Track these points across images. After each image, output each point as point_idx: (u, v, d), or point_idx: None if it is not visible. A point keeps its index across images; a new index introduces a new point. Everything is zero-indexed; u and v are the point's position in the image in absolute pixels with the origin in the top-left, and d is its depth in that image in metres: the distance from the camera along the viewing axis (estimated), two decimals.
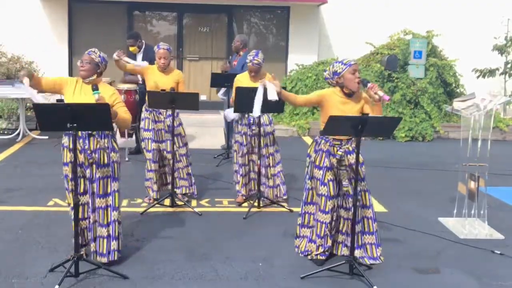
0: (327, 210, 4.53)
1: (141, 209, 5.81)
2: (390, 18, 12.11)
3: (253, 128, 6.05)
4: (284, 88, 5.91)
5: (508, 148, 10.00)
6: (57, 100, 4.03)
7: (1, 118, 10.23)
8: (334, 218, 4.59)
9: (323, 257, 4.61)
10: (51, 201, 6.11)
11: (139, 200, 6.17)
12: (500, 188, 6.85)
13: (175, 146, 5.98)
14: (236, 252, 4.81)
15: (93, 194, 4.40)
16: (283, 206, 6.02)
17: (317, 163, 4.55)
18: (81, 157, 4.33)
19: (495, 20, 12.01)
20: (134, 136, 8.55)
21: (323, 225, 4.56)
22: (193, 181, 6.21)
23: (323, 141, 4.54)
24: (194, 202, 6.18)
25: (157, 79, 5.99)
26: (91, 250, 4.49)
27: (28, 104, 10.17)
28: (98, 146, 4.33)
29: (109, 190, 4.41)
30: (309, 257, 4.68)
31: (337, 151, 4.49)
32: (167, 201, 6.01)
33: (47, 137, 9.35)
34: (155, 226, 5.39)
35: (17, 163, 7.84)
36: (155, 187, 6.08)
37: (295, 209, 5.95)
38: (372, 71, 11.02)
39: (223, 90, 8.75)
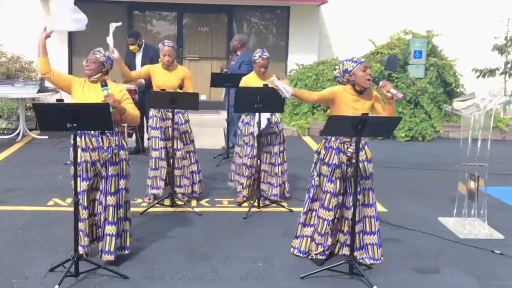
0: (330, 207, 4.52)
1: (141, 209, 5.81)
2: (390, 18, 12.11)
3: (272, 126, 6.10)
4: None
5: (508, 148, 10.00)
6: (57, 100, 4.02)
7: (1, 118, 10.23)
8: (336, 217, 4.58)
9: (323, 257, 4.60)
10: (51, 201, 6.11)
11: (139, 200, 6.16)
12: (500, 188, 6.85)
13: (181, 144, 6.00)
14: (236, 252, 4.81)
15: (103, 191, 4.43)
16: (283, 206, 6.02)
17: (326, 160, 4.55)
18: (94, 156, 4.35)
19: (495, 20, 12.01)
20: (134, 136, 8.55)
21: (325, 222, 4.56)
22: (197, 179, 6.18)
23: (333, 138, 4.54)
24: (194, 202, 6.18)
25: (162, 78, 5.98)
26: (99, 248, 4.50)
27: (28, 104, 10.18)
28: (110, 144, 4.37)
29: (118, 188, 4.45)
30: (309, 257, 4.68)
31: (347, 148, 4.49)
32: (167, 201, 6.01)
33: (47, 137, 9.36)
34: (155, 226, 5.39)
35: (17, 163, 7.84)
36: (162, 183, 6.04)
37: (295, 209, 5.95)
38: (372, 71, 11.01)
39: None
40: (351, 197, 4.51)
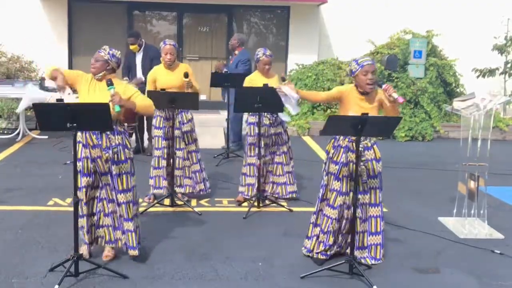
0: (335, 205, 4.52)
1: (141, 209, 5.80)
2: (390, 18, 12.11)
3: (281, 125, 6.14)
4: None
5: (508, 148, 10.00)
6: (57, 100, 4.02)
7: (1, 118, 10.22)
8: (343, 216, 4.55)
9: (324, 257, 4.60)
10: (51, 200, 6.11)
11: (139, 200, 6.15)
12: (500, 187, 6.85)
13: (183, 144, 6.00)
14: (236, 252, 4.81)
15: (113, 189, 4.45)
16: (283, 206, 6.02)
17: (334, 159, 4.55)
18: (94, 152, 4.36)
19: (495, 20, 12.01)
20: (134, 136, 8.55)
21: (329, 220, 4.55)
22: (199, 179, 6.17)
23: (341, 137, 4.54)
24: (194, 202, 6.18)
25: (165, 78, 5.98)
26: (122, 243, 4.55)
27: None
28: (111, 142, 4.37)
29: (130, 186, 4.47)
30: (310, 254, 4.66)
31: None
32: (167, 201, 6.01)
33: (47, 136, 9.36)
34: (155, 226, 5.38)
35: (17, 162, 7.84)
36: (165, 183, 6.05)
37: (295, 209, 5.95)
38: None
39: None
40: (360, 196, 4.51)
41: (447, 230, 5.48)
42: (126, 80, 8.28)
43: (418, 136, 10.54)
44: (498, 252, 4.93)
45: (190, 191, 6.18)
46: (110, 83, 4.28)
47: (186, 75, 5.85)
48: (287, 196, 6.20)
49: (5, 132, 9.71)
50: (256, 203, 5.95)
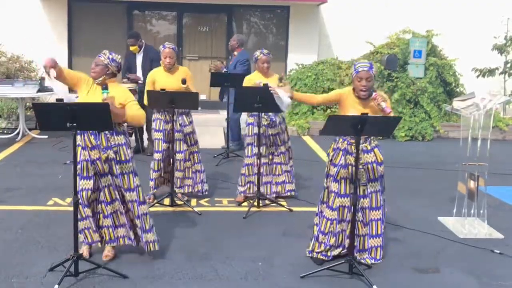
0: (334, 207, 4.52)
1: None
2: (390, 18, 12.10)
3: (280, 127, 6.15)
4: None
5: (508, 148, 10.00)
6: (57, 100, 4.02)
7: (0, 118, 10.23)
8: (345, 218, 4.55)
9: (323, 257, 4.60)
10: (51, 200, 6.11)
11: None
12: (499, 187, 6.85)
13: (185, 145, 6.02)
14: (236, 251, 4.81)
15: (116, 189, 4.46)
16: (283, 206, 6.02)
17: (333, 161, 4.57)
18: (93, 154, 4.36)
19: (495, 19, 12.01)
20: (133, 136, 8.56)
21: (328, 221, 4.56)
22: (198, 179, 6.18)
23: (341, 139, 4.56)
24: (193, 202, 6.19)
25: (164, 80, 5.99)
26: (123, 241, 4.57)
27: (27, 104, 10.18)
28: (112, 143, 4.36)
29: (133, 186, 4.47)
30: (310, 255, 4.67)
31: (354, 149, 4.49)
32: (167, 201, 6.01)
33: (46, 136, 9.35)
34: (155, 226, 5.37)
35: (17, 162, 7.84)
36: (159, 182, 6.12)
37: (295, 209, 5.95)
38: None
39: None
40: (361, 199, 4.51)
41: (447, 230, 5.49)
42: (125, 81, 8.29)
43: (418, 136, 10.54)
44: (498, 252, 4.93)
45: (189, 190, 6.18)
46: (105, 88, 4.28)
47: (183, 81, 5.88)
48: (286, 194, 6.23)
49: (5, 132, 9.71)
50: (256, 203, 5.95)
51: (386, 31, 11.69)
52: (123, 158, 4.42)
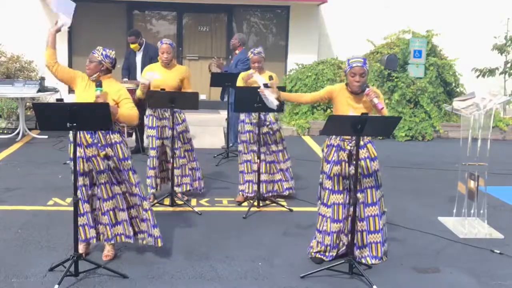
0: (329, 203, 4.53)
1: None
2: (390, 18, 12.10)
3: (270, 127, 6.13)
4: (284, 87, 5.92)
5: (508, 148, 10.00)
6: (57, 100, 4.02)
7: (0, 118, 10.23)
8: (342, 216, 4.54)
9: (321, 257, 4.60)
10: (51, 200, 6.11)
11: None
12: (500, 187, 6.85)
13: (179, 143, 6.01)
14: (235, 251, 4.81)
15: (112, 186, 4.46)
16: (283, 206, 6.02)
17: (327, 158, 4.58)
18: (88, 151, 4.36)
19: (495, 19, 12.01)
20: (133, 136, 8.55)
21: (323, 219, 4.56)
22: (197, 176, 6.21)
23: (333, 136, 4.55)
24: (193, 202, 6.19)
25: (162, 76, 5.98)
26: (142, 237, 4.59)
27: (27, 104, 10.18)
28: (108, 141, 4.36)
29: (134, 182, 4.49)
30: (309, 255, 4.67)
31: (347, 145, 4.49)
32: (166, 201, 6.01)
33: (46, 136, 9.35)
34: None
35: (17, 162, 7.84)
36: (158, 181, 6.13)
37: (295, 209, 5.95)
38: (372, 70, 11.02)
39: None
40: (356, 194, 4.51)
41: (447, 229, 5.49)
42: (125, 80, 8.29)
43: (418, 136, 10.54)
44: (498, 251, 4.93)
45: (188, 189, 6.19)
46: (98, 85, 4.28)
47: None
48: (285, 193, 6.21)
49: (5, 131, 9.71)
50: (256, 203, 5.95)
51: (386, 31, 11.70)
52: (120, 156, 4.42)
